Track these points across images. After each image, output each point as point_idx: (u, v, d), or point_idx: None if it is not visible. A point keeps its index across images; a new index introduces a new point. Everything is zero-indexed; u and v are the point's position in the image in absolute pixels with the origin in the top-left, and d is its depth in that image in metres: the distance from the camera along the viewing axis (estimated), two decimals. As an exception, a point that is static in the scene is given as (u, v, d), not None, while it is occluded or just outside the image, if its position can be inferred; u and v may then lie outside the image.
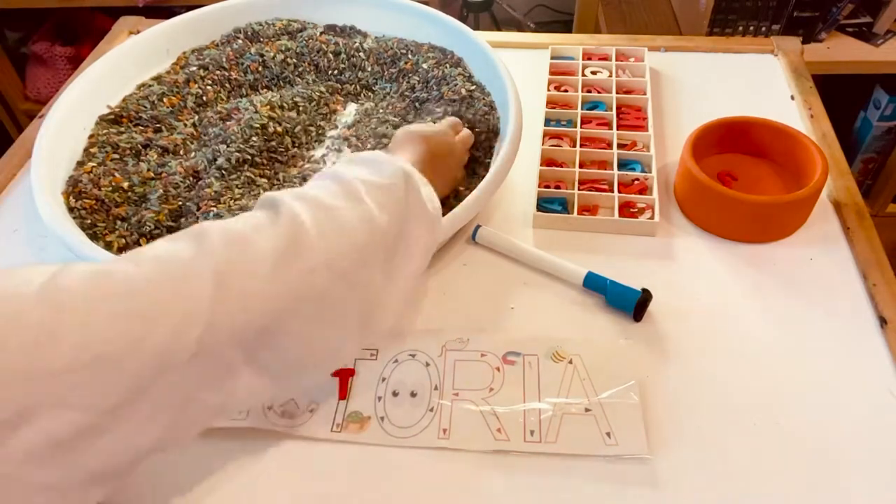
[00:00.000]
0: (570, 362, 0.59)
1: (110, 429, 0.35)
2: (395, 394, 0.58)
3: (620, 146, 0.78)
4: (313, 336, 0.45)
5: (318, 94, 0.84)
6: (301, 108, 0.81)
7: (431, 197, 0.53)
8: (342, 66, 0.88)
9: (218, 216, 0.66)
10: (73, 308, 0.34)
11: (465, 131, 0.71)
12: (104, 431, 0.35)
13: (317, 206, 0.45)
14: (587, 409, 0.56)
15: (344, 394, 0.58)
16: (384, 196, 0.48)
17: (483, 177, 0.67)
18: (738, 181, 0.74)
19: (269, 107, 0.79)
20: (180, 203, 0.70)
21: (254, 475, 0.54)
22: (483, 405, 0.57)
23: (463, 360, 0.60)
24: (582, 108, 0.83)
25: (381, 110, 0.82)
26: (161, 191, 0.70)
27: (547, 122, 0.81)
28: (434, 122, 0.71)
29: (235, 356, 0.40)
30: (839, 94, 1.30)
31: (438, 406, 0.57)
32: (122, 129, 0.79)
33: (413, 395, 0.58)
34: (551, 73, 0.89)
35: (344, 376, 0.59)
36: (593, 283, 0.64)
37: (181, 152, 0.77)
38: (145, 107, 0.81)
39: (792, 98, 0.86)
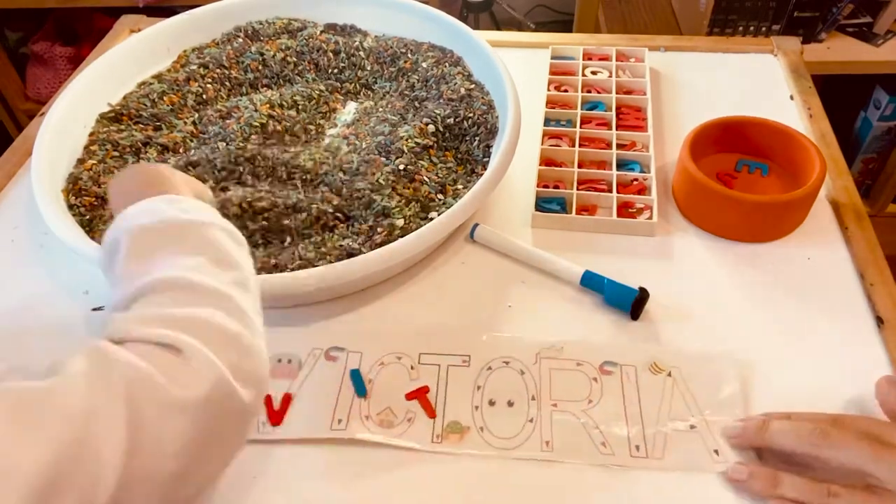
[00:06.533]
0: (669, 374, 0.58)
1: None
2: (491, 403, 0.56)
3: (619, 146, 0.78)
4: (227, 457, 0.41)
5: (317, 92, 0.84)
6: (301, 107, 0.81)
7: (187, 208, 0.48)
8: (342, 64, 0.88)
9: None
10: None
11: None
12: None
13: (190, 323, 0.40)
14: (692, 427, 0.54)
15: (431, 412, 0.56)
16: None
17: (481, 175, 0.67)
18: (737, 181, 0.74)
19: (268, 105, 0.79)
20: (180, 201, 0.70)
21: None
22: (584, 417, 0.55)
23: (558, 369, 0.58)
24: (582, 109, 0.83)
25: (380, 109, 0.82)
26: (161, 189, 0.70)
27: (546, 121, 0.81)
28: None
29: None
30: (839, 94, 1.31)
31: (538, 417, 0.55)
32: (123, 127, 0.79)
33: (510, 404, 0.56)
34: (551, 73, 0.89)
35: (421, 396, 0.57)
36: (591, 282, 0.64)
37: (181, 150, 0.77)
38: (146, 105, 0.81)
39: (791, 98, 0.86)
